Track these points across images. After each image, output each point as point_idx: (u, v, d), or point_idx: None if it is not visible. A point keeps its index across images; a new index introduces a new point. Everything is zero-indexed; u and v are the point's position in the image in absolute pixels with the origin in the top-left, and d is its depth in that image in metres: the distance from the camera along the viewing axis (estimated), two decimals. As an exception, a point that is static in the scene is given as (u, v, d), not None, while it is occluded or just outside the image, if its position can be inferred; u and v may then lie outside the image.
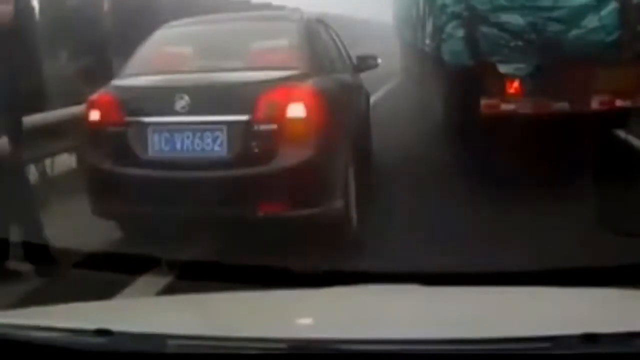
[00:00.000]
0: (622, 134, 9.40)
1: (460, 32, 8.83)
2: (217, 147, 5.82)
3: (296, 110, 5.83)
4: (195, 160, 5.87)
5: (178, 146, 5.87)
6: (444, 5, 9.42)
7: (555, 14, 8.17)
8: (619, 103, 8.23)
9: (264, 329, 2.11)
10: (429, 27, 11.32)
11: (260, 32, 7.12)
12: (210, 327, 2.12)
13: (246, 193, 5.80)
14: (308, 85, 6.09)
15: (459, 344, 1.86)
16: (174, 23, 7.30)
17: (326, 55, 7.29)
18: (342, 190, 6.10)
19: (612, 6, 8.02)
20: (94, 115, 6.14)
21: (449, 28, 9.15)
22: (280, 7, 14.75)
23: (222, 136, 5.80)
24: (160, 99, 6.05)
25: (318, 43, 7.15)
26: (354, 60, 8.38)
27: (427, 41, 11.68)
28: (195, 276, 4.38)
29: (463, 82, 8.79)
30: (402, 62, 20.09)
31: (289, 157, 5.76)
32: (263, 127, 5.77)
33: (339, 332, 2.02)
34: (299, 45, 6.64)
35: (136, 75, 6.50)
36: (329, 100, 6.21)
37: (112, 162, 6.02)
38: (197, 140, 5.84)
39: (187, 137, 5.86)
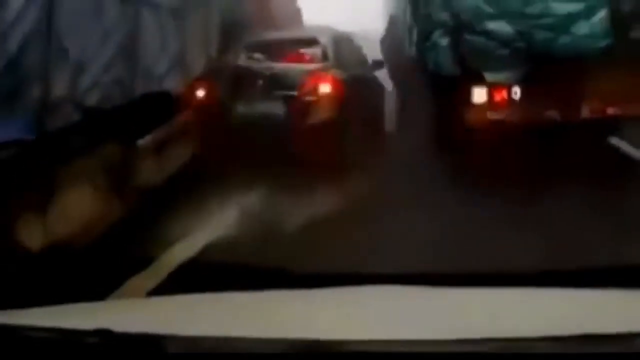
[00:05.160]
0: (615, 141, 9.43)
1: (445, 41, 8.81)
2: (277, 110, 9.45)
3: (325, 88, 9.60)
4: (265, 118, 9.37)
5: (255, 109, 9.50)
6: (428, 14, 9.42)
7: (543, 21, 8.15)
8: (610, 111, 8.18)
9: (264, 329, 2.10)
10: (414, 36, 11.35)
11: (304, 40, 10.79)
12: (210, 327, 2.12)
13: (294, 136, 8.88)
14: (332, 73, 9.85)
15: (459, 344, 1.86)
16: (252, 36, 11.04)
17: (346, 56, 10.82)
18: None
19: (602, 13, 7.98)
20: (200, 92, 9.62)
21: (434, 36, 9.14)
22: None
23: (280, 104, 9.49)
24: (243, 79, 9.74)
25: (342, 49, 10.80)
26: (370, 62, 12.04)
27: (413, 49, 11.70)
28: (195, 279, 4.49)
29: (449, 91, 8.75)
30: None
31: (320, 114, 9.20)
32: (305, 98, 9.48)
33: (339, 332, 2.02)
34: (329, 49, 10.38)
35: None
36: (346, 84, 9.82)
37: (214, 119, 9.31)
38: (266, 105, 9.48)
39: (261, 104, 9.50)
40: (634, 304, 2.30)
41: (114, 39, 7.09)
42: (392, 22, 16.14)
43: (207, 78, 9.70)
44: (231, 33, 11.01)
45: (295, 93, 9.49)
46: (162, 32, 8.49)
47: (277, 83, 9.62)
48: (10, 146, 5.30)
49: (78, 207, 6.22)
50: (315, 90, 9.52)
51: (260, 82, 9.61)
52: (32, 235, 5.35)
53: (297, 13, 15.90)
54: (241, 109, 9.57)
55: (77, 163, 6.28)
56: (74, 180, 6.20)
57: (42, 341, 1.96)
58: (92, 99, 6.63)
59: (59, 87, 6.00)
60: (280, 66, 9.99)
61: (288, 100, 9.48)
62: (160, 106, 8.21)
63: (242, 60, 10.37)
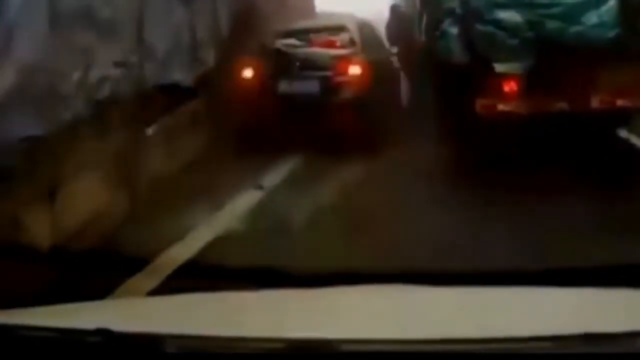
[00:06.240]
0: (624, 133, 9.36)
1: (455, 30, 8.73)
2: (314, 88, 10.89)
3: (354, 69, 11.06)
4: (303, 95, 10.83)
5: (295, 88, 10.94)
6: (438, 1, 9.36)
7: (553, 10, 8.04)
8: (619, 102, 8.10)
9: (264, 329, 2.10)
10: (424, 24, 11.30)
11: (333, 27, 12.29)
12: (209, 327, 2.12)
13: (328, 110, 10.52)
14: (360, 57, 11.32)
15: (459, 344, 1.85)
16: (284, 26, 12.51)
17: (370, 42, 12.35)
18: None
19: (611, 3, 7.89)
20: (247, 72, 11.22)
21: (443, 25, 9.06)
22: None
23: (316, 83, 10.93)
24: (284, 62, 11.15)
25: (366, 35, 12.32)
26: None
27: (423, 38, 11.64)
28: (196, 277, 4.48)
29: (458, 81, 8.66)
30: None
31: (350, 92, 10.76)
32: (337, 78, 10.96)
33: (338, 332, 2.01)
34: (355, 36, 11.82)
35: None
36: (371, 66, 11.27)
37: (262, 94, 10.93)
38: (303, 84, 10.93)
39: (299, 83, 10.94)
40: (634, 304, 2.29)
41: (121, 27, 7.06)
42: (396, 8, 16.11)
43: (252, 58, 11.38)
44: (243, 21, 11.65)
45: (328, 74, 11.02)
46: (170, 19, 8.46)
47: (312, 65, 11.15)
48: (21, 142, 5.29)
49: (87, 197, 6.22)
50: (346, 72, 11.04)
51: (298, 64, 11.13)
52: (41, 231, 5.34)
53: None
54: (282, 86, 11.03)
55: (86, 153, 6.27)
56: (83, 170, 6.19)
57: (42, 341, 1.96)
58: (102, 92, 6.60)
59: (69, 82, 5.98)
60: (314, 51, 11.58)
61: (322, 80, 10.97)
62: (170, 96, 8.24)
63: (279, 45, 11.76)
